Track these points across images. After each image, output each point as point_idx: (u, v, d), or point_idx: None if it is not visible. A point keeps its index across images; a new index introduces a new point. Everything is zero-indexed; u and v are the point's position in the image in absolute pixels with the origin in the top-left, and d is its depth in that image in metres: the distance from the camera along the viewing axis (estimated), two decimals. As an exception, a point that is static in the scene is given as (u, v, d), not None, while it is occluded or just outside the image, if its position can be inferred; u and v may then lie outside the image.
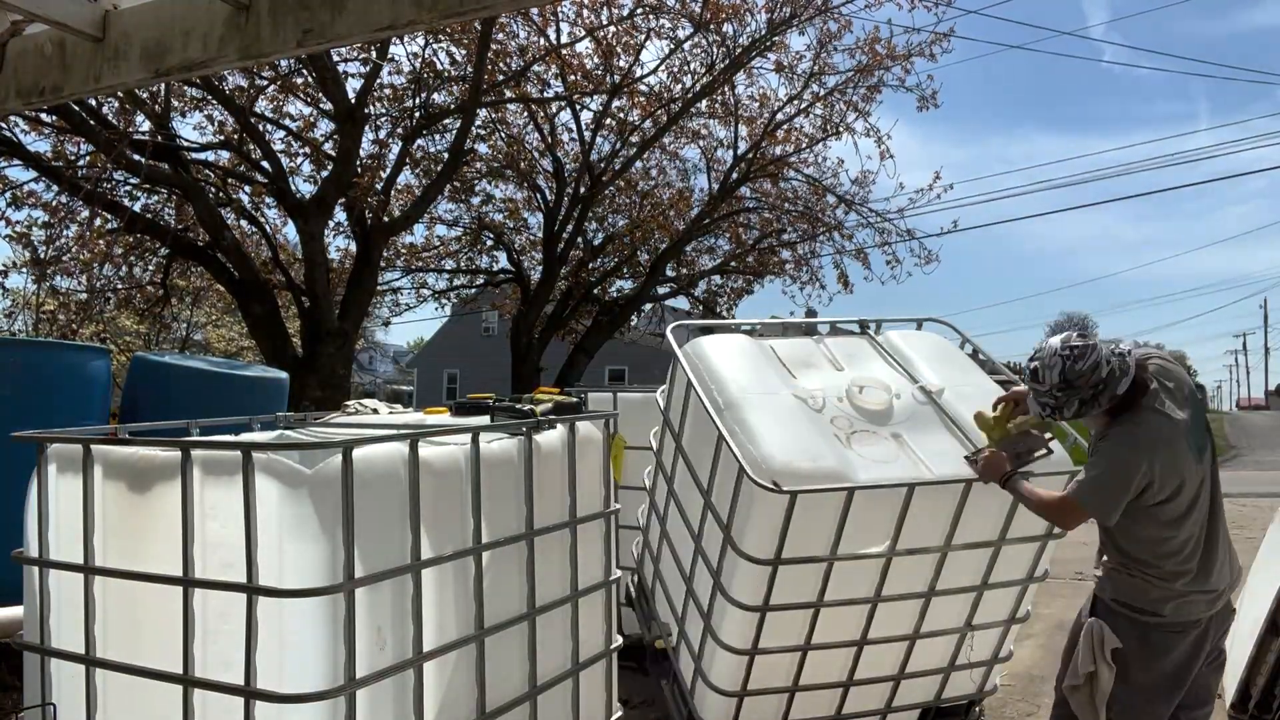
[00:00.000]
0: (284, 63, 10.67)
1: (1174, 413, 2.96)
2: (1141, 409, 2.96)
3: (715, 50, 12.86)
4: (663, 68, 13.12)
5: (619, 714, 3.27)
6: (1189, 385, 3.08)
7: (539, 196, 14.78)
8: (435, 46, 11.56)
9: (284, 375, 6.15)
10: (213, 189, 11.22)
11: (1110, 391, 2.91)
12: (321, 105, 11.34)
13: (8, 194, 10.35)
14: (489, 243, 15.99)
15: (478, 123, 12.38)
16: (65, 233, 10.56)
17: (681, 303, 17.56)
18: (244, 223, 12.27)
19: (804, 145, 14.32)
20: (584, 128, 13.53)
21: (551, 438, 2.93)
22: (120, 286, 12.00)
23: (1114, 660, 3.00)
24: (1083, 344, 2.95)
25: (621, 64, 12.59)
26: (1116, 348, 2.96)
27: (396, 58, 11.83)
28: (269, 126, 11.63)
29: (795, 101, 13.81)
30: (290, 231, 12.62)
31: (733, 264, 16.15)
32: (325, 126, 11.82)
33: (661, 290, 16.26)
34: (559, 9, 11.55)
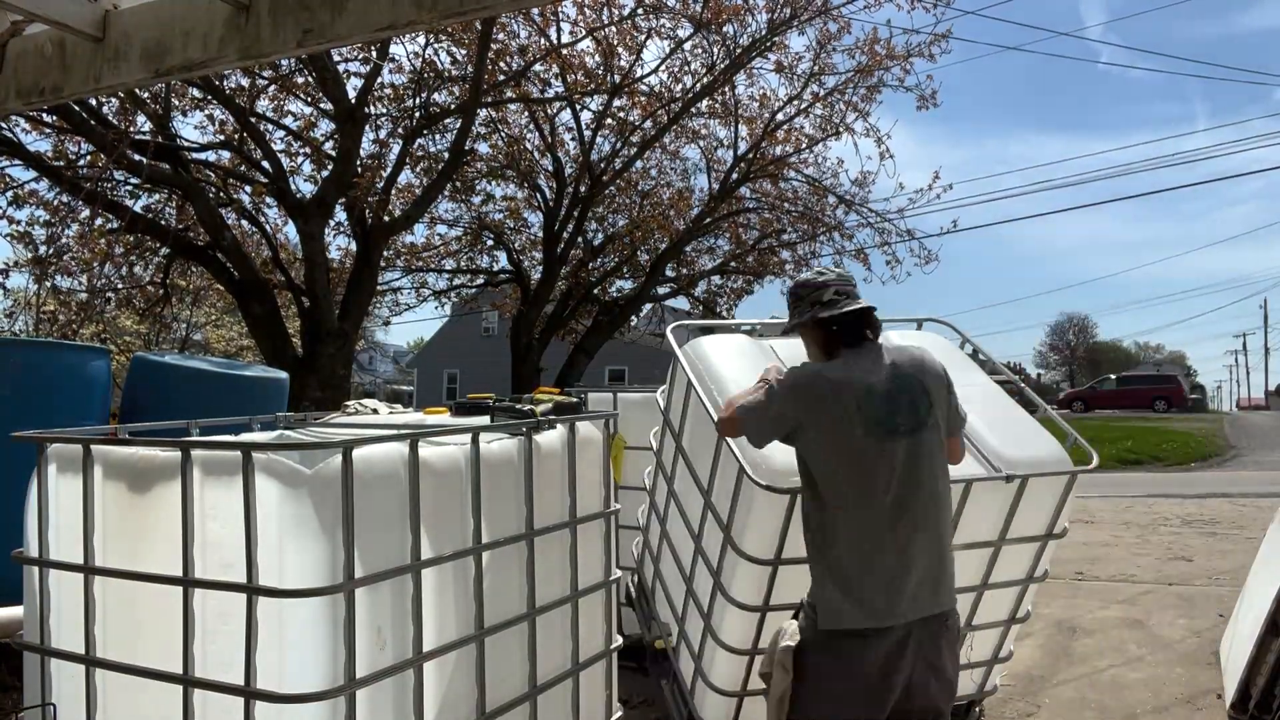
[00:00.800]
0: (284, 63, 10.68)
1: (858, 373, 2.69)
2: (831, 356, 2.81)
3: (715, 50, 12.87)
4: (663, 68, 13.14)
5: (619, 714, 3.27)
6: (923, 365, 2.79)
7: (539, 196, 14.78)
8: (436, 46, 11.57)
9: (284, 375, 6.14)
10: (213, 189, 11.23)
11: (801, 313, 2.84)
12: (322, 105, 11.34)
13: (8, 193, 10.36)
14: (489, 243, 16.00)
15: (478, 123, 12.38)
16: (66, 232, 10.58)
17: (681, 303, 17.58)
18: (244, 223, 12.28)
19: (804, 145, 14.33)
20: (584, 128, 13.54)
21: (551, 438, 2.93)
22: (120, 286, 12.00)
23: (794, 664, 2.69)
24: (822, 270, 2.95)
25: (622, 64, 12.60)
26: (849, 297, 2.80)
27: (397, 57, 11.86)
28: (269, 126, 11.63)
29: (795, 102, 13.82)
30: (290, 231, 12.64)
31: (733, 264, 16.16)
32: (325, 126, 11.83)
33: (661, 290, 16.26)
34: (559, 9, 11.55)
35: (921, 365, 2.81)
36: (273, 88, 11.44)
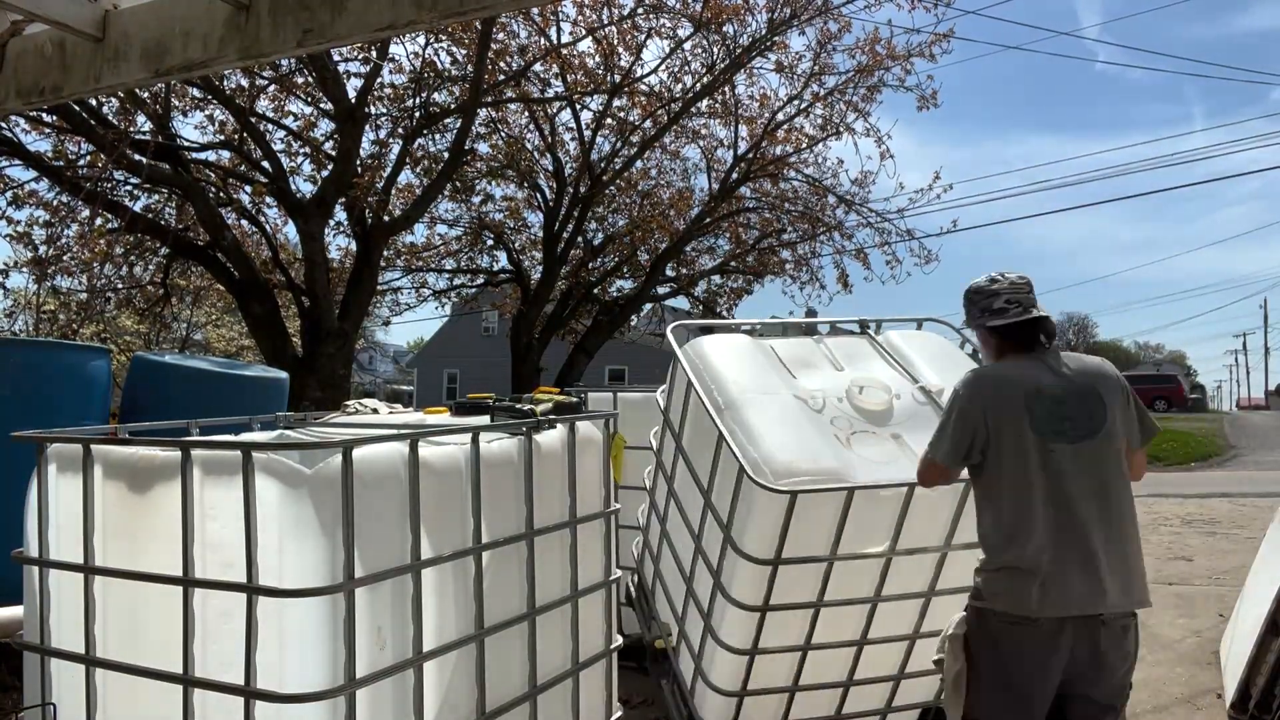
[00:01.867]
0: (284, 63, 10.67)
1: (1029, 374, 2.79)
2: (1006, 357, 2.90)
3: (716, 50, 12.87)
4: (663, 67, 13.14)
5: (619, 714, 3.27)
6: (1100, 374, 2.84)
7: (539, 196, 14.78)
8: (436, 46, 11.57)
9: (284, 375, 6.15)
10: (213, 189, 11.22)
11: (972, 318, 2.95)
12: (321, 105, 11.34)
13: (8, 194, 10.36)
14: (489, 242, 16.00)
15: (478, 123, 12.37)
16: (66, 232, 10.58)
17: (681, 303, 17.58)
18: (244, 223, 12.28)
19: (804, 145, 14.33)
20: (584, 127, 13.53)
21: (551, 438, 2.93)
22: (120, 286, 12.01)
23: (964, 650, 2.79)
24: (996, 276, 2.99)
25: (622, 64, 12.60)
26: (1027, 303, 2.87)
27: (397, 57, 11.85)
28: (269, 126, 11.63)
29: (795, 101, 13.82)
30: (290, 231, 12.64)
31: (733, 264, 16.16)
32: (325, 126, 11.83)
33: (661, 290, 16.26)
34: (559, 9, 11.55)
35: (1099, 374, 2.84)
36: (273, 88, 11.43)
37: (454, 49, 11.71)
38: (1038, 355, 2.85)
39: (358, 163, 10.76)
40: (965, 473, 3.09)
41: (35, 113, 9.20)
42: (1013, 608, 2.67)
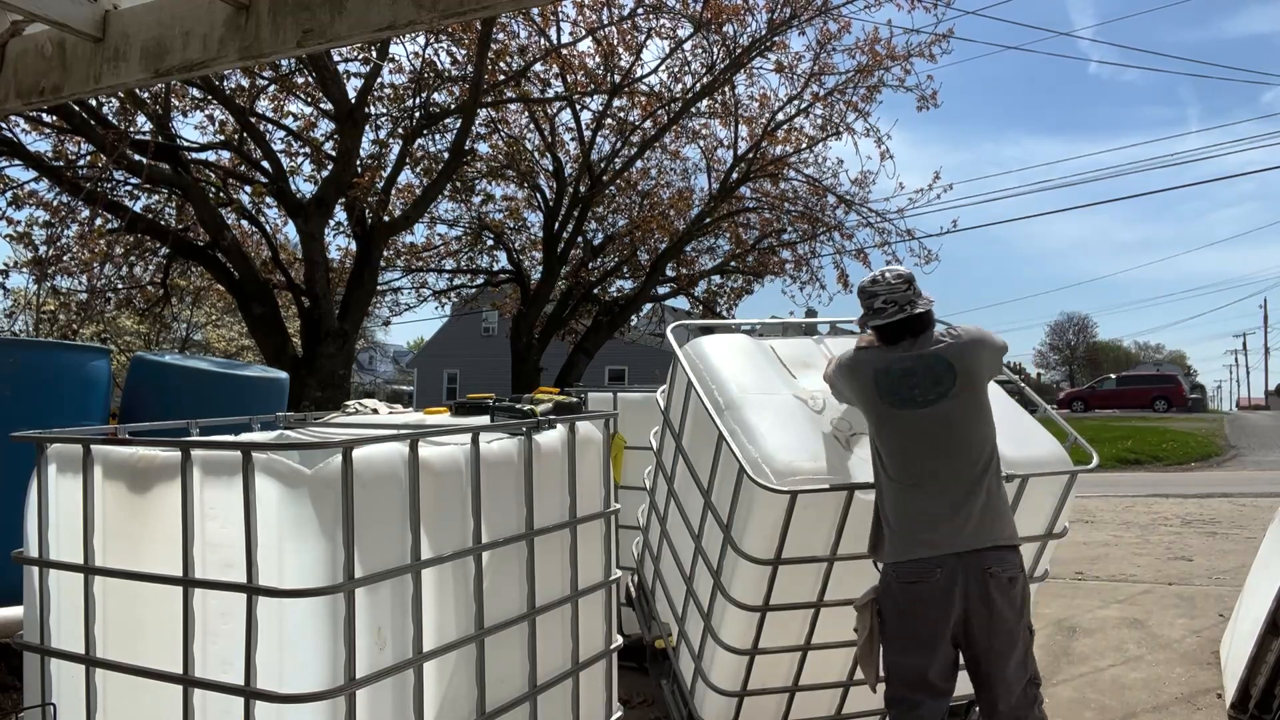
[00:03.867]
0: (284, 63, 10.67)
1: (883, 357, 3.23)
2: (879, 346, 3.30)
3: (715, 50, 12.86)
4: (663, 68, 13.13)
5: (619, 714, 3.27)
6: (956, 346, 3.19)
7: (539, 196, 14.78)
8: (435, 46, 11.57)
9: (284, 375, 6.14)
10: (213, 189, 11.22)
11: (865, 315, 3.30)
12: (321, 105, 11.34)
13: (8, 194, 10.36)
14: (489, 243, 15.99)
15: (478, 123, 12.37)
16: (66, 232, 10.58)
17: (681, 303, 17.58)
18: (244, 223, 12.28)
19: (804, 145, 14.32)
20: (584, 127, 13.53)
21: (551, 438, 2.93)
22: (120, 286, 12.01)
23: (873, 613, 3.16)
24: (879, 276, 3.30)
25: (622, 64, 12.59)
26: (903, 301, 3.20)
27: (397, 57, 11.85)
28: (269, 126, 11.63)
29: (795, 101, 13.81)
30: (290, 231, 12.64)
31: (733, 264, 16.15)
32: (325, 126, 11.83)
33: (661, 290, 16.25)
34: (559, 9, 11.55)
35: (958, 345, 3.21)
36: (273, 88, 11.43)
37: (454, 49, 11.71)
38: (904, 344, 3.24)
39: (358, 163, 10.76)
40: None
41: (35, 113, 9.20)
42: (897, 556, 3.09)
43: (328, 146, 11.67)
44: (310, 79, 10.88)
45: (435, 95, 12.02)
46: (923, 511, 3.07)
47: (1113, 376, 41.72)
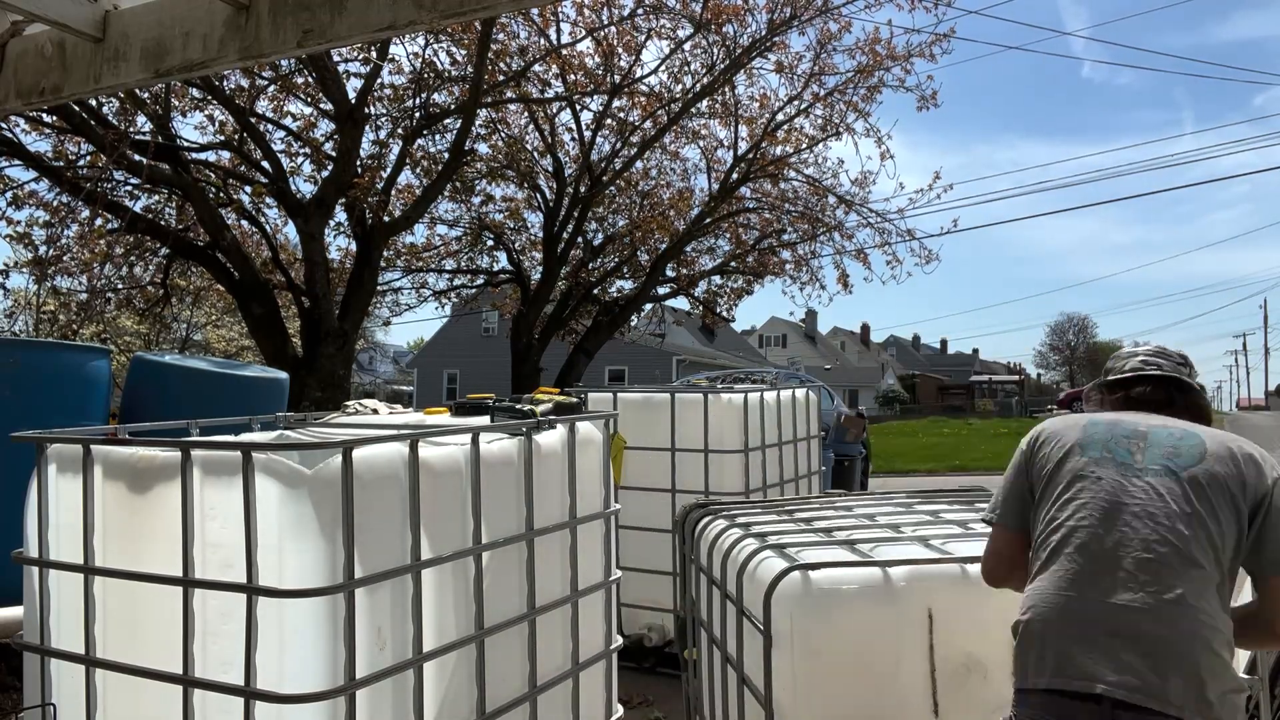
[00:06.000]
0: (284, 63, 10.67)
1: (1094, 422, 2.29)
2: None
3: (715, 50, 12.86)
4: (663, 68, 13.13)
5: (619, 714, 3.27)
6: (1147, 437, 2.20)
7: (539, 196, 14.78)
8: (435, 46, 11.57)
9: (284, 375, 6.14)
10: (213, 189, 11.22)
11: (1091, 393, 2.57)
12: (321, 105, 11.33)
13: (8, 194, 10.36)
14: (489, 243, 15.99)
15: (478, 123, 12.37)
16: (66, 233, 10.57)
17: (682, 303, 17.59)
18: (244, 223, 12.28)
19: (804, 145, 14.32)
20: (584, 128, 13.53)
21: (551, 438, 2.93)
22: (120, 286, 12.00)
23: None
24: (1125, 352, 2.57)
25: (622, 64, 12.59)
26: (1138, 376, 2.41)
27: (397, 58, 11.84)
28: (269, 126, 11.63)
29: (795, 102, 13.81)
30: (290, 231, 12.63)
31: (733, 264, 16.16)
32: (325, 126, 11.82)
33: (661, 290, 16.26)
34: (559, 9, 11.55)
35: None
36: (273, 88, 11.43)
37: (454, 49, 11.71)
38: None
39: (358, 163, 10.76)
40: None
41: (35, 113, 9.20)
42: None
43: (328, 147, 11.67)
44: (310, 79, 10.88)
45: (435, 95, 12.02)
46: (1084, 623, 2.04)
47: (1113, 377, 41.64)
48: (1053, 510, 2.16)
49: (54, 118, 9.42)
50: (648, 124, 13.11)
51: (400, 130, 12.05)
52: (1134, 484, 2.10)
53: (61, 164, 10.03)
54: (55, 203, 10.37)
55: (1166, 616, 1.95)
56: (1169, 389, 2.40)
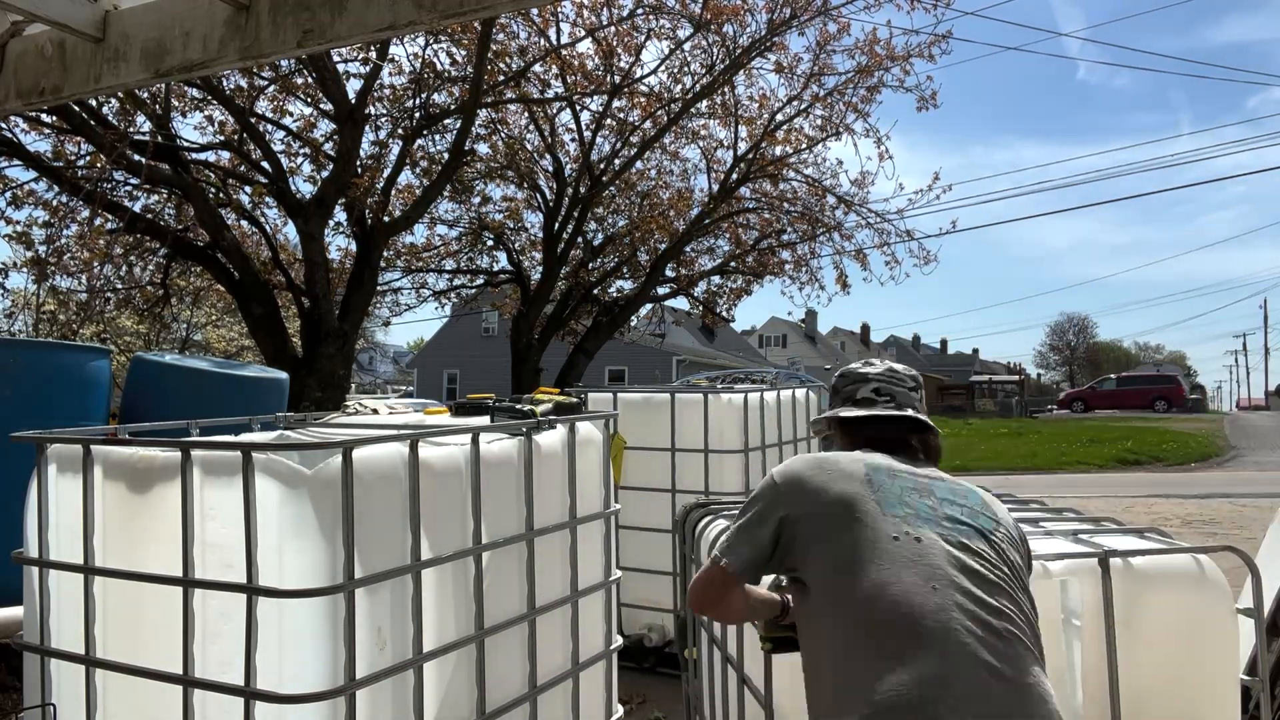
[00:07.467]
0: (284, 63, 10.67)
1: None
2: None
3: (715, 50, 12.86)
4: (663, 68, 13.13)
5: (619, 714, 3.27)
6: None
7: (539, 196, 14.78)
8: (435, 47, 11.56)
9: (284, 375, 6.14)
10: (213, 189, 11.22)
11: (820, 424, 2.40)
12: (321, 105, 11.33)
13: (8, 194, 10.36)
14: (489, 243, 15.99)
15: (478, 123, 12.37)
16: (65, 232, 10.57)
17: (682, 303, 17.58)
18: (244, 223, 12.28)
19: (804, 146, 14.32)
20: (584, 128, 13.53)
21: (551, 438, 2.93)
22: (120, 286, 12.00)
23: None
24: (851, 367, 2.51)
25: (622, 64, 12.59)
26: (875, 399, 2.32)
27: (397, 58, 11.84)
28: (269, 127, 11.63)
29: (795, 102, 13.81)
30: (290, 231, 12.63)
31: (732, 264, 16.16)
32: (325, 127, 11.82)
33: (661, 291, 16.26)
34: (559, 9, 11.55)
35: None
36: (273, 88, 11.43)
37: (454, 49, 11.71)
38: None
39: (358, 163, 10.76)
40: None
41: (35, 113, 9.20)
42: None
43: (327, 147, 11.67)
44: (310, 79, 10.88)
45: (435, 96, 12.02)
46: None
47: (1113, 377, 41.81)
48: (867, 575, 1.84)
49: (54, 118, 9.42)
50: (647, 124, 13.11)
51: (400, 130, 12.05)
52: (951, 545, 1.89)
53: (61, 164, 10.03)
54: (55, 202, 10.37)
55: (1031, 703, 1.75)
56: (902, 429, 2.28)
